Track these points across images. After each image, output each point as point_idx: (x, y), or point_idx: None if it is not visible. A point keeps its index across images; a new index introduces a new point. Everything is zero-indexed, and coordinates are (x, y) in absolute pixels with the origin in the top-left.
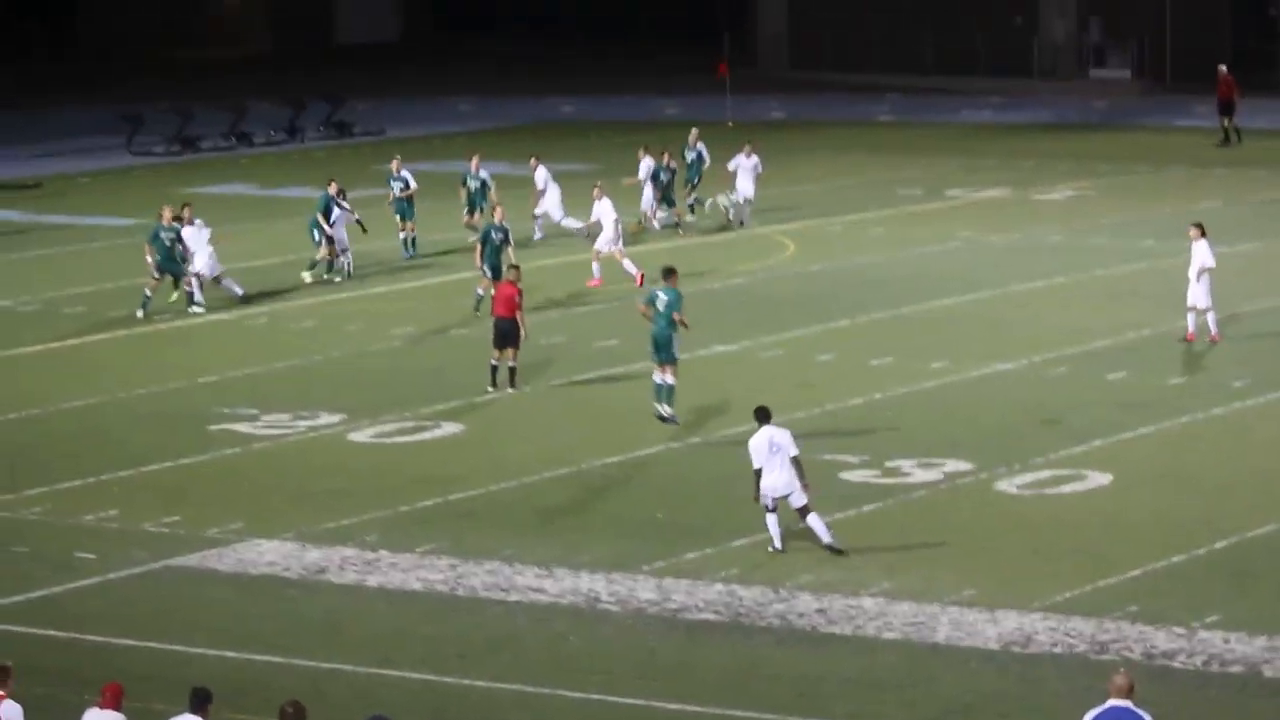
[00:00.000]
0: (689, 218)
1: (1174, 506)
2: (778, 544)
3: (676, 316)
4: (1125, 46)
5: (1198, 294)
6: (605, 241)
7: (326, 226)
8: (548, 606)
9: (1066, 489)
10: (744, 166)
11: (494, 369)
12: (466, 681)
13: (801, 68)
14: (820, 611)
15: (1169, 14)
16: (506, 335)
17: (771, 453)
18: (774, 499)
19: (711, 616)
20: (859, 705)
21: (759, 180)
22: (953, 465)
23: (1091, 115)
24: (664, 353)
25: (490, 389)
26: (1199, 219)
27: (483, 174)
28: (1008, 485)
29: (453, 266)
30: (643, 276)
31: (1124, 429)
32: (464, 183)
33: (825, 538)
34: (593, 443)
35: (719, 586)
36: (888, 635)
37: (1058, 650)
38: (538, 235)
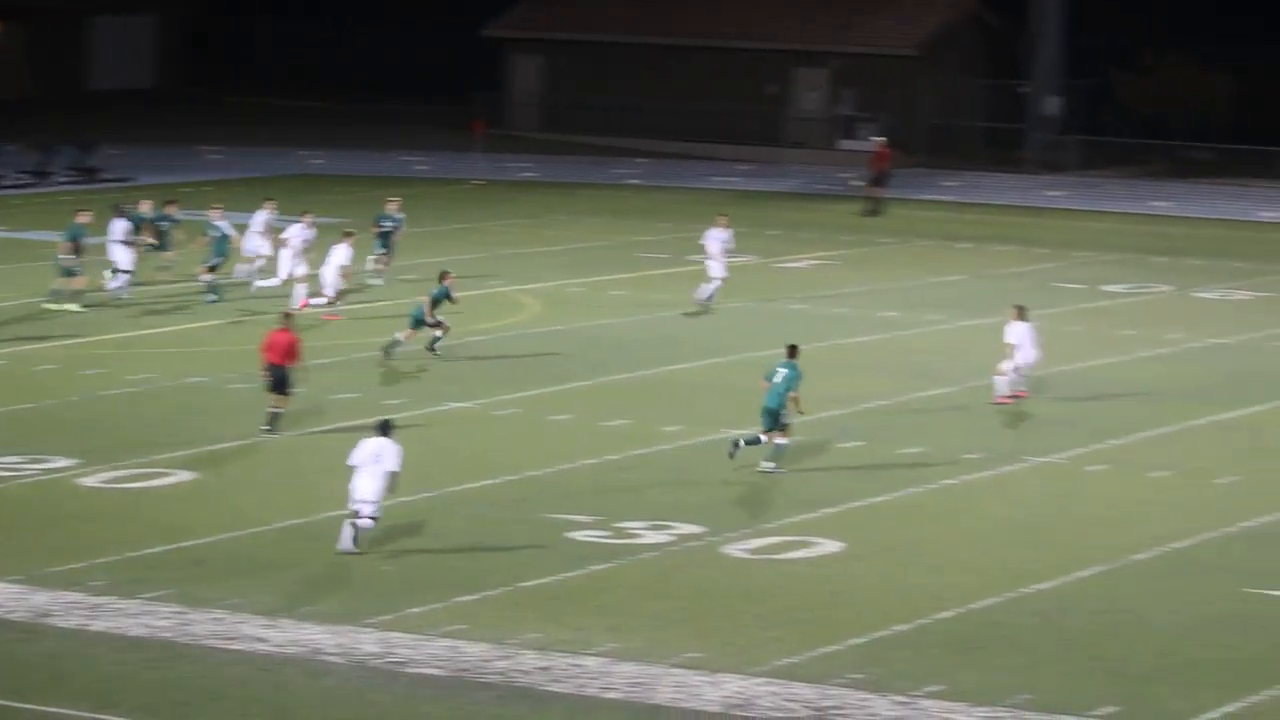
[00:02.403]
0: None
1: (901, 576)
2: (343, 546)
3: (792, 395)
4: (875, 119)
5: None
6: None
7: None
8: (271, 656)
9: (796, 555)
10: (716, 239)
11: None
12: None
13: (553, 130)
14: (543, 670)
15: (920, 89)
16: (280, 382)
17: (372, 461)
18: (354, 504)
19: (434, 671)
20: None
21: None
22: (683, 528)
23: (839, 186)
24: (772, 421)
25: (264, 428)
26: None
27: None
28: (737, 549)
29: (195, 313)
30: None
31: (856, 498)
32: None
33: (346, 543)
34: (322, 496)
35: (443, 641)
36: (610, 695)
37: (778, 715)
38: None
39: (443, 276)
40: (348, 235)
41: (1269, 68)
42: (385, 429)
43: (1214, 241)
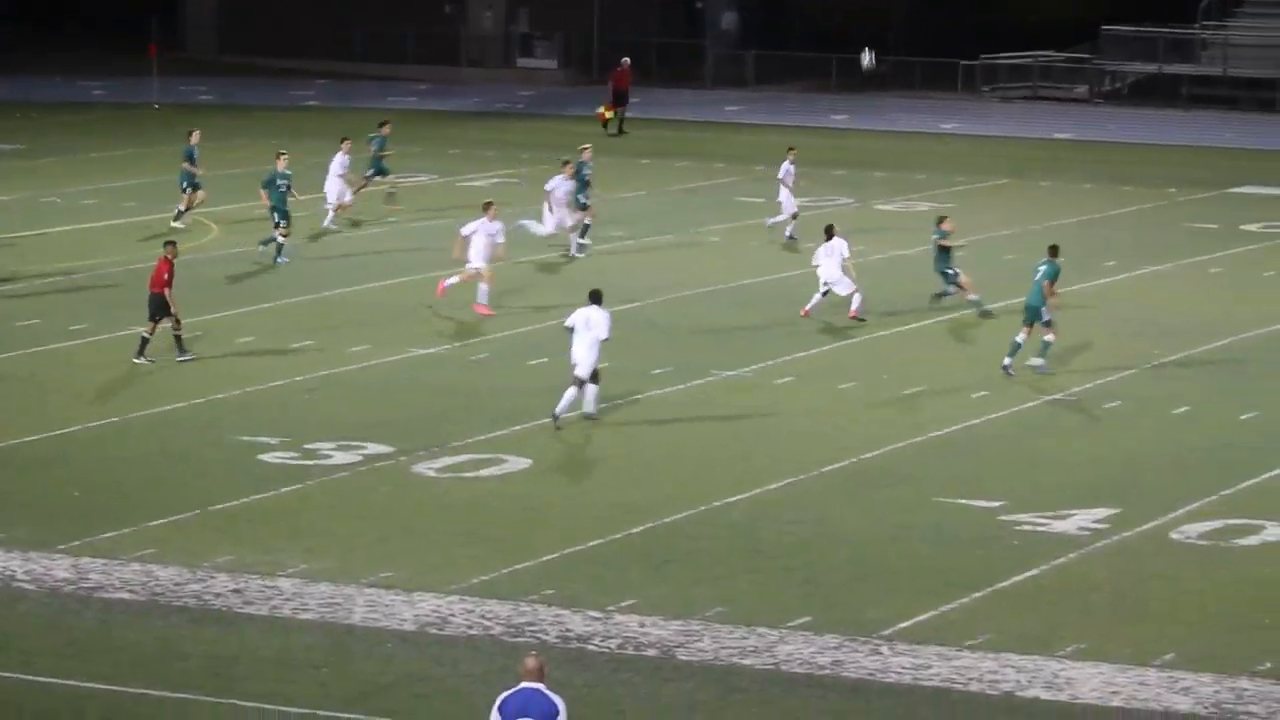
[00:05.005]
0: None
1: (591, 491)
2: (556, 411)
3: (1046, 285)
4: (552, 37)
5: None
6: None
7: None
8: None
9: (485, 473)
10: (789, 174)
11: (145, 341)
12: None
13: (231, 52)
14: (236, 592)
15: (596, 6)
16: (160, 307)
17: (585, 328)
18: (573, 370)
19: (127, 595)
20: (274, 686)
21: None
22: (373, 448)
23: (518, 104)
24: (1032, 315)
25: (136, 359)
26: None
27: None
28: (427, 468)
29: None
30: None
31: (544, 414)
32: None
33: (589, 407)
34: (13, 421)
35: (135, 566)
36: (304, 616)
37: (474, 632)
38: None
39: (940, 221)
40: (344, 140)
41: None
42: (596, 298)
43: (894, 154)
